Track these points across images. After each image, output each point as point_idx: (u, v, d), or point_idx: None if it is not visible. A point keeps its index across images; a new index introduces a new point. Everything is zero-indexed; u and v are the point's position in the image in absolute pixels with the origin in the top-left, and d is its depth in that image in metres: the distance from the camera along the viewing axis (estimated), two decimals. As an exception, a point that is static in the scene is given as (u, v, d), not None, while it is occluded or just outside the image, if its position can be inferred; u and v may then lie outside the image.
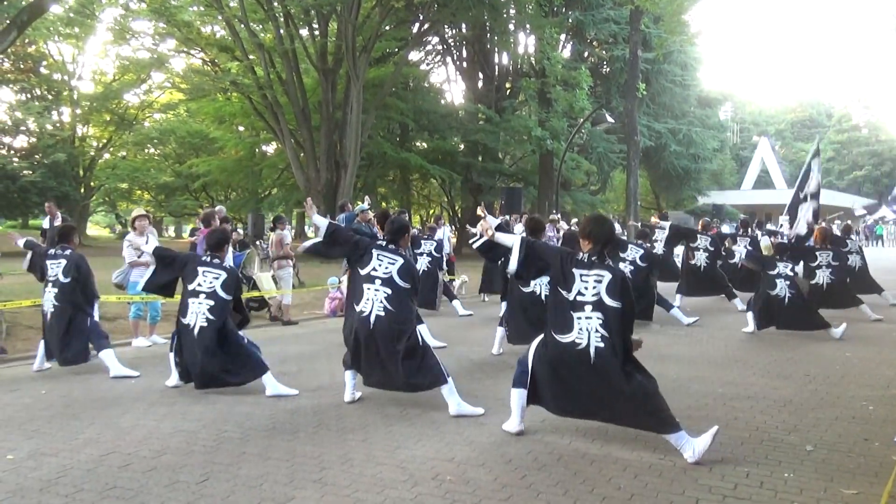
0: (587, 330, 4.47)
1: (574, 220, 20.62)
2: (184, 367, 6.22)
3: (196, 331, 6.10)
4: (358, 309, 5.55)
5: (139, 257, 8.79)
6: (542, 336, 4.79)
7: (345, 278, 11.92)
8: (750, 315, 9.55)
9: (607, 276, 4.52)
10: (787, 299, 9.02)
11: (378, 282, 5.53)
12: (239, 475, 4.15)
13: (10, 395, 6.20)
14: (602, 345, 4.44)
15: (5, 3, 15.41)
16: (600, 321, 4.46)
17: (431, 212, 39.41)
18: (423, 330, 6.29)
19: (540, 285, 7.35)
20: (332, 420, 5.31)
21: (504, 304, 8.21)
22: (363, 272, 5.62)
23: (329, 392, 6.15)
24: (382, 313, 5.46)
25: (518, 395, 4.83)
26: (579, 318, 4.50)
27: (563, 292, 4.57)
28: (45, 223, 13.23)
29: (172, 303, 10.84)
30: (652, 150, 33.32)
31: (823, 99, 74.43)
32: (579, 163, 28.88)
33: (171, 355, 6.41)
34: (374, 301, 5.49)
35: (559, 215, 18.43)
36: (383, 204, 36.36)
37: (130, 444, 4.74)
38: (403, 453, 4.51)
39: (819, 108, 71.43)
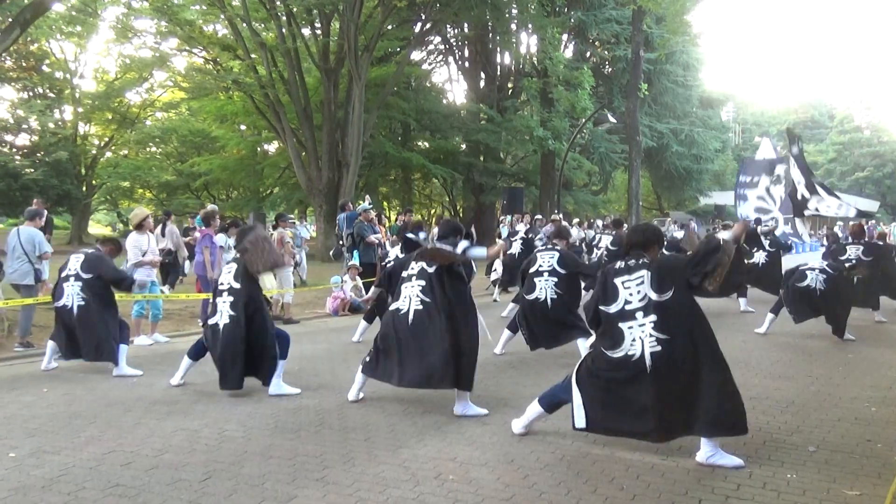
0: (640, 338, 4.26)
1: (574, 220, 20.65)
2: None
3: (221, 328, 6.11)
4: (396, 307, 5.62)
5: (143, 256, 8.79)
6: (585, 358, 4.62)
7: (346, 277, 11.96)
8: (769, 317, 9.46)
9: (646, 273, 4.37)
10: (818, 291, 8.89)
11: (413, 278, 5.60)
12: (241, 474, 4.15)
13: (13, 394, 6.21)
14: (659, 348, 4.21)
15: (8, 1, 15.42)
16: (653, 324, 4.24)
17: (433, 212, 39.40)
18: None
19: (545, 289, 7.36)
20: (335, 419, 5.31)
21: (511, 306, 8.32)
22: (404, 274, 5.72)
23: (331, 391, 6.15)
24: (420, 306, 5.48)
25: (536, 412, 4.78)
26: (630, 327, 4.31)
27: (607, 308, 4.44)
28: None
29: (174, 302, 10.90)
30: (654, 150, 33.29)
31: (826, 100, 74.38)
32: (581, 163, 28.87)
33: (187, 358, 6.47)
34: (411, 297, 5.53)
35: (561, 215, 18.44)
36: (385, 204, 36.37)
37: (132, 442, 4.74)
38: (406, 452, 4.51)
39: (821, 108, 71.37)
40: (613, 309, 4.41)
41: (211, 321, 6.22)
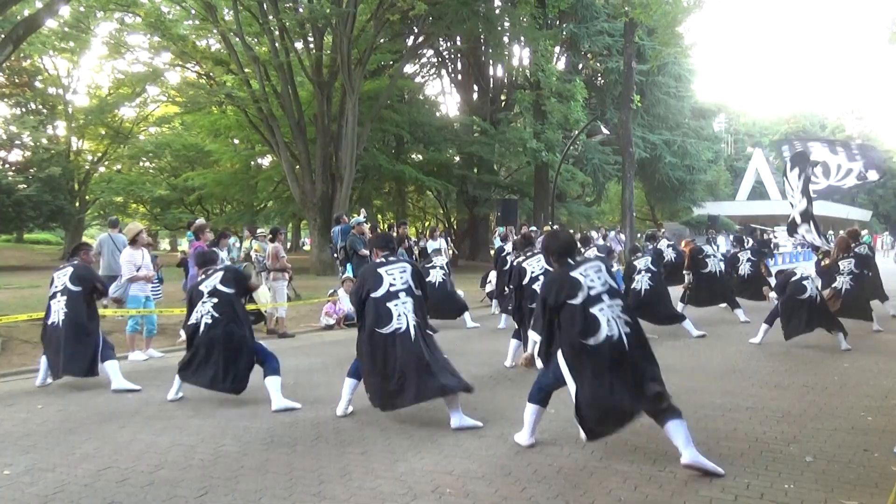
0: (613, 319, 4.33)
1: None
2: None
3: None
4: (390, 330, 5.35)
5: (137, 271, 8.78)
6: (559, 358, 4.52)
7: (341, 290, 11.95)
8: (763, 327, 9.47)
9: (602, 265, 4.62)
10: (817, 299, 9.01)
11: (403, 294, 5.47)
12: (237, 489, 4.13)
13: (7, 410, 6.17)
14: (629, 330, 4.36)
15: (0, 17, 15.42)
16: (620, 307, 4.42)
17: (427, 224, 39.45)
18: None
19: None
20: (331, 433, 5.29)
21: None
22: (380, 294, 5.46)
23: (327, 405, 6.13)
24: (414, 322, 5.42)
25: (533, 411, 4.80)
26: (601, 309, 4.35)
27: (574, 301, 4.38)
28: None
29: (168, 317, 10.86)
30: (647, 161, 33.39)
31: (817, 110, 75.04)
32: (574, 174, 28.97)
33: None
34: (406, 314, 5.41)
35: (556, 227, 18.46)
36: (379, 216, 36.37)
37: (128, 458, 4.71)
38: (402, 466, 4.49)
39: (812, 118, 71.89)
40: (580, 298, 4.40)
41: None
